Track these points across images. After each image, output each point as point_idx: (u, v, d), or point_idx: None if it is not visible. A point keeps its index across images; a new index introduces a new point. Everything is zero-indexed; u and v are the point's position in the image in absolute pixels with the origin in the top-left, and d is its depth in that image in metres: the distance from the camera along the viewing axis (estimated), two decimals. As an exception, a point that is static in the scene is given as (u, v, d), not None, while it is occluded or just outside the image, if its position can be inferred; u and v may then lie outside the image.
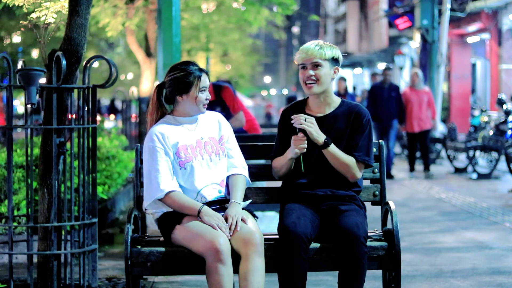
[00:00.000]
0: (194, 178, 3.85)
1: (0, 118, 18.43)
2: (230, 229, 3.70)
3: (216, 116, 4.05)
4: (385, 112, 12.69)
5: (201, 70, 3.91)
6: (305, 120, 3.89)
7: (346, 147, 3.97)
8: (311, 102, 4.04)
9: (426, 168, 12.90)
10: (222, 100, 7.41)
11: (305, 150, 3.90)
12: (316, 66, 3.93)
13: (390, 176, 12.49)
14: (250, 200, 4.00)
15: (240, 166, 4.00)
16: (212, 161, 3.90)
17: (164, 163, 3.80)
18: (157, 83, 4.37)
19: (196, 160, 3.86)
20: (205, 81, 3.89)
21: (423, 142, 12.96)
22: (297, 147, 3.90)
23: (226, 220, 3.74)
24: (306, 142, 3.90)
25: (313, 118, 3.93)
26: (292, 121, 3.92)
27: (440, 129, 13.72)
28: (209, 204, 3.83)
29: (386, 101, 12.76)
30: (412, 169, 13.13)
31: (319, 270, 3.92)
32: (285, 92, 45.93)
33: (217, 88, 7.52)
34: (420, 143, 12.98)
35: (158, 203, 3.84)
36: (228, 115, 7.48)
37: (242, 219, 3.73)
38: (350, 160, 3.94)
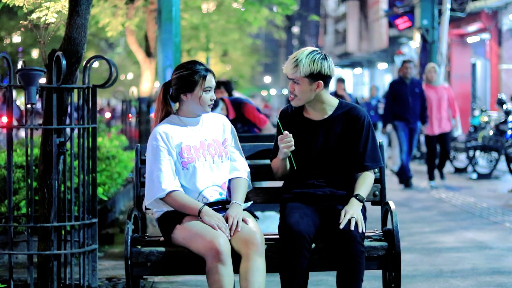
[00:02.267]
0: (196, 179, 3.85)
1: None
2: (230, 229, 3.70)
3: (221, 119, 4.06)
4: (411, 111, 11.09)
5: (207, 70, 3.90)
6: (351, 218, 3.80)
7: (353, 154, 3.96)
8: (307, 106, 4.02)
9: (441, 176, 11.70)
10: (243, 116, 7.40)
11: (293, 147, 3.89)
12: (294, 82, 3.91)
13: (408, 185, 11.28)
14: (251, 202, 4.00)
15: (242, 169, 4.00)
16: (215, 163, 3.90)
17: (166, 163, 3.80)
18: (157, 83, 4.39)
19: (199, 161, 3.86)
20: (210, 81, 3.89)
21: (443, 146, 11.40)
22: (284, 146, 3.90)
23: (227, 220, 3.74)
24: (292, 140, 3.89)
25: (359, 216, 3.80)
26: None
27: (460, 130, 12.00)
28: (210, 205, 3.83)
29: (410, 99, 11.10)
30: (432, 177, 11.43)
31: (319, 270, 3.92)
32: (285, 92, 45.91)
33: (237, 106, 7.50)
34: (440, 147, 11.41)
35: (159, 202, 3.84)
36: (250, 130, 7.49)
37: (243, 220, 3.73)
38: (370, 181, 3.98)
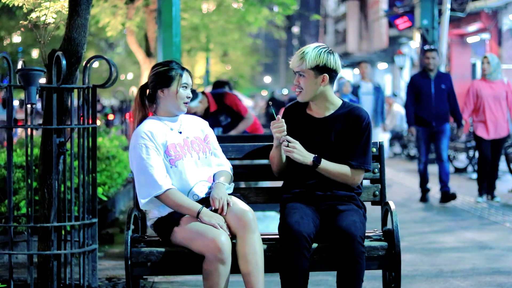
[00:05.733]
0: (185, 175, 3.87)
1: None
2: (219, 210, 3.75)
3: (198, 119, 4.12)
4: (435, 112, 9.21)
5: (183, 68, 3.96)
6: (288, 146, 3.89)
7: (344, 151, 3.97)
8: (311, 103, 4.04)
9: (490, 190, 9.59)
10: (226, 106, 7.43)
11: (285, 132, 3.91)
12: (300, 75, 3.94)
13: (450, 197, 9.26)
14: (233, 185, 4.02)
15: (226, 164, 4.08)
16: (200, 159, 3.93)
17: (157, 160, 3.81)
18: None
19: (185, 158, 3.88)
20: (186, 78, 3.93)
21: (494, 155, 9.38)
22: (276, 131, 3.93)
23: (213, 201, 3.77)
24: (284, 125, 3.92)
25: (297, 142, 3.91)
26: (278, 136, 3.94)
27: None
28: (202, 201, 3.85)
29: (434, 97, 9.20)
30: (481, 191, 9.50)
31: (319, 270, 3.92)
32: (285, 92, 45.90)
33: (218, 97, 7.53)
34: (492, 153, 9.38)
35: (152, 202, 3.82)
36: (234, 120, 7.52)
37: (227, 202, 3.76)
38: (345, 170, 3.95)
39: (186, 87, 3.92)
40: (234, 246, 3.70)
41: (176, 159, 3.86)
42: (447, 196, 9.26)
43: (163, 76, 3.91)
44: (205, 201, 3.86)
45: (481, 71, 9.31)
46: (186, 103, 3.95)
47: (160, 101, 3.95)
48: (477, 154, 12.56)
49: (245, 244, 3.67)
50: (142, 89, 4.00)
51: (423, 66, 9.57)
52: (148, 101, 3.98)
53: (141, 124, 3.92)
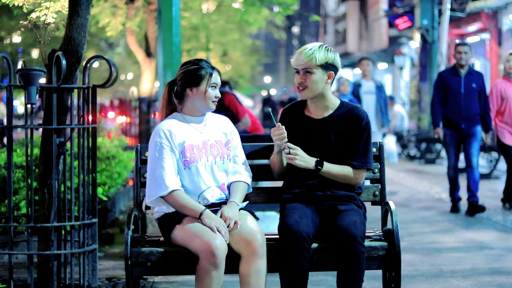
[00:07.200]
0: (198, 179, 3.85)
1: None
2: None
3: (225, 121, 4.07)
4: (464, 114, 8.29)
5: (213, 68, 3.93)
6: (289, 153, 3.88)
7: (344, 151, 3.97)
8: (309, 104, 4.04)
9: (509, 199, 8.84)
10: (224, 106, 7.42)
11: (286, 139, 3.90)
12: (306, 72, 3.92)
13: (478, 209, 8.34)
14: (247, 202, 4.00)
15: (244, 173, 3.99)
16: (216, 164, 3.89)
17: (169, 161, 3.80)
18: (157, 83, 4.41)
19: (200, 161, 3.86)
20: (216, 78, 3.91)
21: None
22: (276, 138, 3.92)
23: (221, 216, 3.73)
24: (284, 131, 3.91)
25: (298, 148, 3.90)
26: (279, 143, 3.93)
27: None
28: (211, 206, 3.83)
29: (464, 96, 8.27)
30: (506, 199, 8.83)
31: (319, 270, 3.92)
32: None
33: None
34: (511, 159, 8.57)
35: (160, 200, 3.83)
36: (232, 121, 7.54)
37: (235, 222, 3.73)
38: (347, 171, 3.95)
39: (215, 87, 3.90)
40: (238, 262, 3.68)
41: (190, 161, 3.84)
42: (475, 208, 8.34)
43: (193, 75, 3.88)
44: (214, 206, 3.84)
45: (505, 70, 8.50)
46: (214, 101, 3.92)
47: (188, 100, 3.92)
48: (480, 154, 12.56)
49: (250, 269, 3.65)
50: (171, 85, 3.96)
51: (453, 62, 8.60)
52: (175, 98, 3.95)
53: (163, 121, 3.91)
